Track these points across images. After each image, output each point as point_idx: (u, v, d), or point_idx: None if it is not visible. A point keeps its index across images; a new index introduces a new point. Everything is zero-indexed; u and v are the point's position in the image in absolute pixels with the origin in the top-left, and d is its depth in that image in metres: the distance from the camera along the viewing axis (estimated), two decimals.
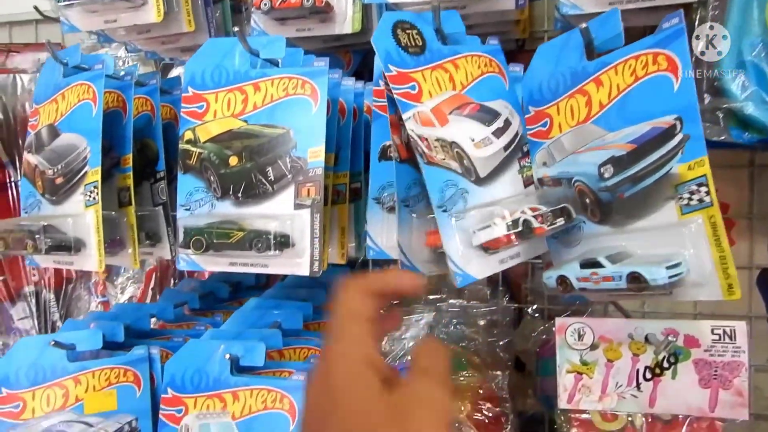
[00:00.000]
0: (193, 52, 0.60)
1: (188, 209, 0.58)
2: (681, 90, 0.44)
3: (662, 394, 0.54)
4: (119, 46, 0.92)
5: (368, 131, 0.60)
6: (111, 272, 1.07)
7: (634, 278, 0.43)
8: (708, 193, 0.43)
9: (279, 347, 0.63)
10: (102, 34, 0.73)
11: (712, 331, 0.54)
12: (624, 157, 0.47)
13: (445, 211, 0.50)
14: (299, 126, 0.55)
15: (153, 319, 0.78)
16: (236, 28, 0.60)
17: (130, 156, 0.61)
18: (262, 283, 0.89)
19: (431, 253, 0.52)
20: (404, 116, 0.51)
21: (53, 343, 0.63)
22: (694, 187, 0.43)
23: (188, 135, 0.58)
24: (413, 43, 0.53)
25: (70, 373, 0.62)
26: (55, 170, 0.61)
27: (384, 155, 0.58)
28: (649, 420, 0.55)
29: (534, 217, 0.48)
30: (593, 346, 0.56)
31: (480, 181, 0.52)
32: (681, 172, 0.44)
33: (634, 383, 0.55)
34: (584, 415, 0.56)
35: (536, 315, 0.79)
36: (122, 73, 0.65)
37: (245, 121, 0.57)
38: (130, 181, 0.61)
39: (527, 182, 0.55)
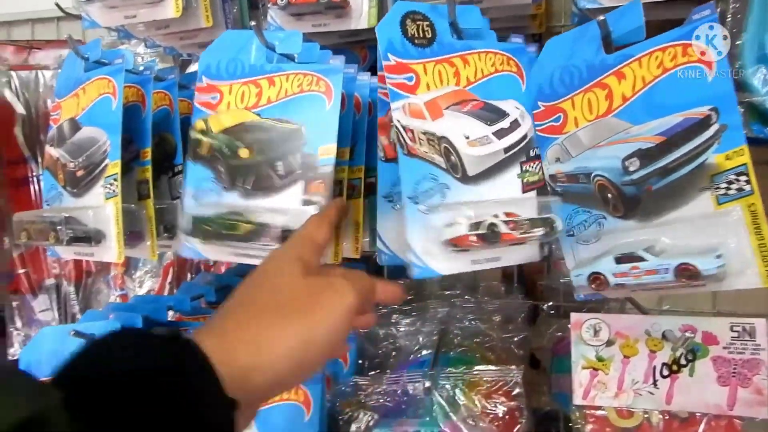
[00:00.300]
0: None
1: (196, 197, 0.58)
2: (716, 80, 0.44)
3: (679, 392, 0.53)
4: (138, 43, 0.93)
5: None
6: (129, 266, 1.08)
7: (685, 270, 0.43)
8: (748, 182, 0.42)
9: None
10: (122, 30, 0.74)
11: (731, 328, 0.53)
12: (652, 150, 0.46)
13: (416, 203, 0.50)
14: (312, 123, 0.55)
15: (170, 312, 0.79)
16: (253, 23, 0.61)
17: (149, 149, 0.62)
18: None
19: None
20: (393, 105, 0.51)
21: (74, 332, 0.64)
22: (733, 177, 0.43)
23: (200, 125, 0.59)
24: (421, 35, 0.53)
25: None
26: (76, 163, 0.63)
27: None
28: (666, 417, 0.54)
29: (505, 222, 0.48)
30: (609, 342, 0.55)
31: (467, 179, 0.52)
32: (718, 162, 0.44)
33: (651, 380, 0.54)
34: (600, 412, 0.56)
35: (552, 312, 0.79)
36: (141, 68, 0.66)
37: (258, 114, 0.57)
38: (149, 174, 0.62)
39: (527, 187, 0.53)
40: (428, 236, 0.49)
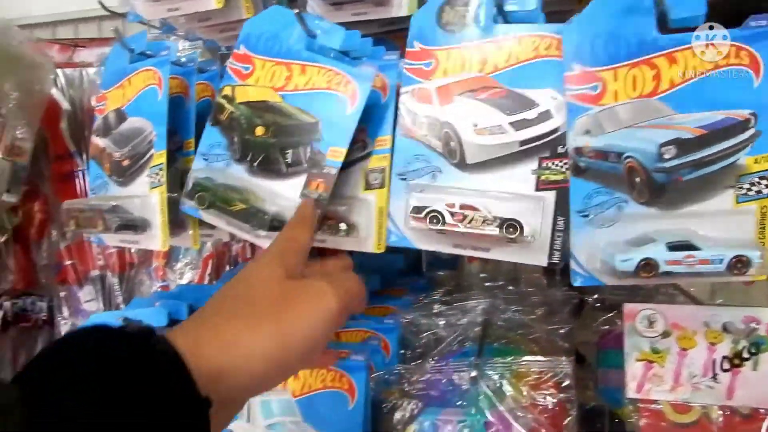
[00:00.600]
0: None
1: (206, 159, 0.59)
2: (761, 88, 0.45)
3: (742, 386, 0.51)
4: (179, 39, 0.94)
5: None
6: (170, 258, 1.10)
7: (738, 261, 0.44)
8: None
9: None
10: (165, 24, 0.75)
11: None
12: (692, 141, 0.46)
13: (403, 179, 0.53)
14: (330, 121, 0.54)
15: None
16: (296, 11, 0.60)
17: (193, 140, 0.63)
18: None
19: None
20: (402, 90, 0.53)
21: (122, 319, 0.65)
22: (756, 179, 0.45)
23: (227, 90, 0.59)
24: (455, 21, 0.52)
25: None
26: (122, 153, 0.64)
27: None
28: (726, 413, 0.52)
29: (452, 213, 0.48)
30: (665, 334, 0.53)
31: (464, 167, 0.51)
32: (747, 164, 0.45)
33: (711, 373, 0.52)
34: (654, 406, 0.53)
35: (597, 305, 0.77)
36: (183, 59, 0.67)
37: (282, 97, 0.57)
38: (192, 165, 0.62)
39: (543, 186, 0.50)
40: (407, 212, 0.51)
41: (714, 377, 0.52)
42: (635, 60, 0.48)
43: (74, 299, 1.09)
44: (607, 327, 0.71)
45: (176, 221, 0.63)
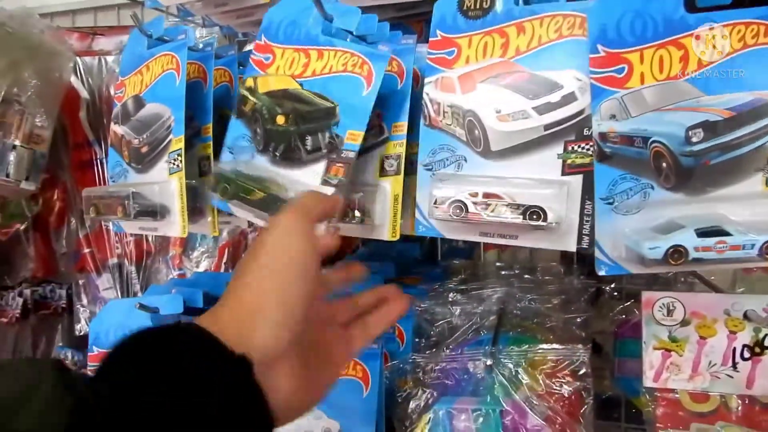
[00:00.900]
0: None
1: (232, 153, 0.59)
2: None
3: (762, 375, 0.50)
4: (196, 27, 0.95)
5: None
6: (186, 246, 1.11)
7: None
8: None
9: None
10: (182, 9, 0.75)
11: None
12: (720, 123, 0.44)
13: (429, 169, 0.53)
14: (347, 105, 0.54)
15: None
16: None
17: (210, 125, 0.63)
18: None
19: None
20: (426, 80, 0.53)
21: (139, 305, 0.66)
22: None
23: (249, 82, 0.60)
24: (477, 6, 0.51)
25: None
26: (141, 139, 0.64)
27: None
28: (746, 402, 0.51)
29: (475, 203, 0.48)
30: (684, 322, 0.52)
31: (489, 154, 0.50)
32: None
33: (730, 362, 0.51)
34: (672, 395, 0.53)
35: (614, 294, 0.76)
36: (201, 45, 0.67)
37: (300, 84, 0.57)
38: (210, 150, 0.63)
39: (570, 170, 0.49)
40: (430, 202, 0.51)
41: (734, 366, 0.51)
42: (662, 41, 0.46)
43: (93, 287, 1.11)
44: (624, 316, 0.71)
45: (195, 208, 0.64)
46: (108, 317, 0.69)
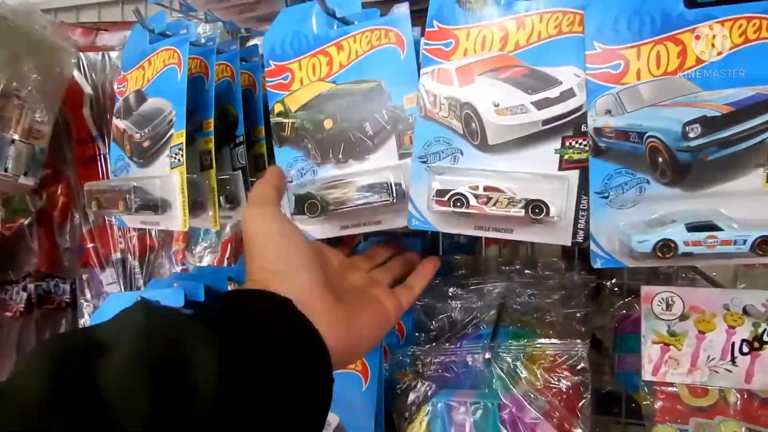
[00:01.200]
0: (269, 21, 0.61)
1: (290, 181, 0.59)
2: None
3: (761, 370, 0.50)
4: (199, 23, 0.95)
5: None
6: (189, 241, 1.12)
7: (763, 242, 0.43)
8: None
9: None
10: (185, 5, 0.75)
11: None
12: (718, 119, 0.44)
13: (424, 162, 0.53)
14: (390, 75, 0.54)
15: (230, 282, 0.81)
16: None
17: (212, 120, 0.63)
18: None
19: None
20: (422, 71, 0.52)
21: (139, 299, 0.66)
22: None
23: (278, 107, 0.59)
24: None
25: None
26: (143, 134, 0.64)
27: None
28: (745, 396, 0.51)
29: (476, 196, 0.48)
30: (683, 317, 0.52)
31: (485, 148, 0.50)
32: None
33: (729, 357, 0.51)
34: (670, 389, 0.53)
35: (615, 289, 0.76)
36: (203, 40, 0.67)
37: (333, 82, 0.57)
38: (212, 145, 0.63)
39: (567, 165, 0.49)
40: (429, 195, 0.51)
41: (733, 360, 0.51)
42: (660, 36, 0.46)
43: (96, 282, 1.12)
44: (624, 311, 0.71)
45: (196, 203, 0.64)
46: (109, 310, 0.70)
